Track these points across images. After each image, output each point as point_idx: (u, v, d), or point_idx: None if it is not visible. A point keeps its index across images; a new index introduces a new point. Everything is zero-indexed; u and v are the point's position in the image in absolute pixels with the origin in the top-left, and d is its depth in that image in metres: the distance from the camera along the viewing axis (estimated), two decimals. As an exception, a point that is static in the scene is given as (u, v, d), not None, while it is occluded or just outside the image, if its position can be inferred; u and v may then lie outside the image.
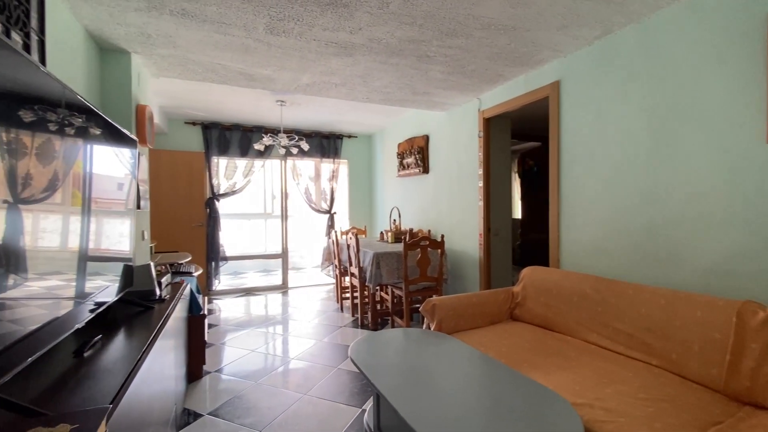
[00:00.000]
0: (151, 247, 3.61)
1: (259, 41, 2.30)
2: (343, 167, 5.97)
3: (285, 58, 2.55)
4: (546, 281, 2.42)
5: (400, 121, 4.97)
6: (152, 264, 2.16)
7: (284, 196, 5.55)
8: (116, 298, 1.75)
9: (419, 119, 4.49)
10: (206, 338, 3.28)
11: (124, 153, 1.82)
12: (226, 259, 5.22)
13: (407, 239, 3.54)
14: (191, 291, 2.61)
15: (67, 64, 1.95)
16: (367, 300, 3.78)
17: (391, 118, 4.93)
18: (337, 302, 4.53)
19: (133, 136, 1.92)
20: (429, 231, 4.15)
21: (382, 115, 4.78)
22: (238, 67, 2.73)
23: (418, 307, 3.78)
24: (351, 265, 3.90)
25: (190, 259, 3.56)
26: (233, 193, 5.19)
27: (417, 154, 4.37)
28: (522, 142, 5.47)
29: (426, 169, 4.31)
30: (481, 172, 3.44)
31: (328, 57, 2.54)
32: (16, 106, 0.97)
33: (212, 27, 2.12)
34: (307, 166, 5.66)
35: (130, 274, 1.99)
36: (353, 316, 4.02)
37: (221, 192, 5.10)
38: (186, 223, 4.87)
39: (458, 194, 3.79)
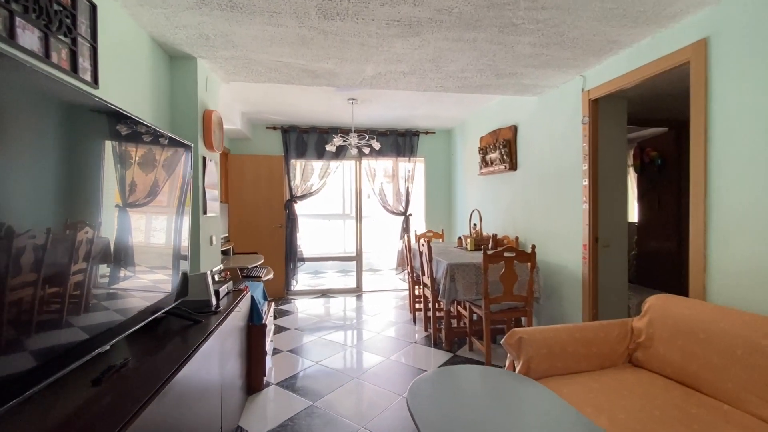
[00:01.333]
0: (228, 249, 3.72)
1: (314, 29, 2.06)
2: (420, 166, 5.61)
3: (344, 47, 2.28)
4: (687, 318, 1.74)
5: (483, 112, 4.41)
6: (209, 273, 2.08)
7: (358, 197, 5.40)
8: (165, 311, 1.66)
9: (505, 108, 3.90)
10: (274, 344, 3.23)
11: (175, 158, 1.73)
12: (303, 260, 5.27)
13: (489, 248, 3.04)
14: (252, 300, 2.52)
15: (129, 71, 1.95)
16: (441, 315, 3.36)
17: (471, 108, 4.40)
18: (410, 312, 4.20)
19: (187, 142, 1.83)
20: (516, 239, 3.55)
21: (461, 107, 4.29)
22: (299, 63, 2.56)
23: (502, 329, 3.24)
24: (423, 274, 3.53)
25: (261, 261, 3.57)
26: (310, 194, 5.21)
27: (502, 148, 3.79)
28: (640, 128, 4.44)
29: (513, 166, 3.71)
30: (586, 167, 2.76)
31: (392, 40, 2.20)
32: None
33: (263, 18, 1.94)
34: (382, 166, 5.43)
35: (185, 284, 1.92)
36: (426, 330, 3.64)
37: (299, 194, 5.16)
38: (267, 225, 5.02)
39: (555, 195, 3.14)
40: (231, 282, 2.44)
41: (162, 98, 2.32)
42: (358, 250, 5.42)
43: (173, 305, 1.75)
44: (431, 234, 4.83)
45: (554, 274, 3.13)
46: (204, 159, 2.53)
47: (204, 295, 2.05)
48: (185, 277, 1.92)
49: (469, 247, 3.67)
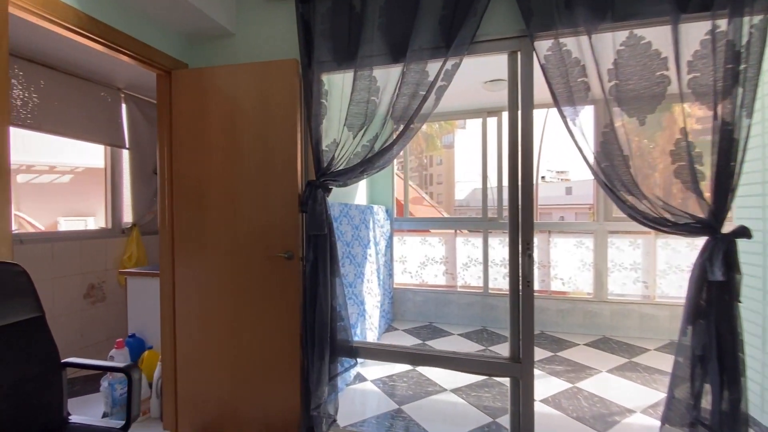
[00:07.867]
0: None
1: None
2: None
3: None
4: None
5: None
6: None
7: (517, 167, 1.69)
8: None
9: None
10: None
11: None
12: (354, 353, 1.89)
13: None
14: None
15: None
16: None
17: None
18: None
19: None
20: None
21: None
22: None
23: None
24: None
25: None
26: (367, 165, 1.80)
27: None
28: None
29: None
30: None
31: None
32: None
33: None
34: (607, 65, 1.57)
35: None
36: None
37: (337, 166, 1.82)
38: (257, 252, 1.86)
39: None
40: None
41: None
42: (515, 351, 1.69)
43: None
44: None
45: None
46: None
47: None
48: None
49: None
